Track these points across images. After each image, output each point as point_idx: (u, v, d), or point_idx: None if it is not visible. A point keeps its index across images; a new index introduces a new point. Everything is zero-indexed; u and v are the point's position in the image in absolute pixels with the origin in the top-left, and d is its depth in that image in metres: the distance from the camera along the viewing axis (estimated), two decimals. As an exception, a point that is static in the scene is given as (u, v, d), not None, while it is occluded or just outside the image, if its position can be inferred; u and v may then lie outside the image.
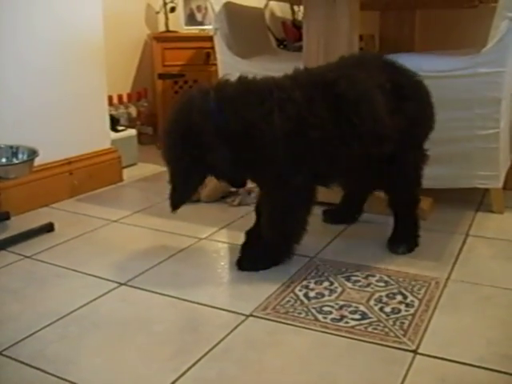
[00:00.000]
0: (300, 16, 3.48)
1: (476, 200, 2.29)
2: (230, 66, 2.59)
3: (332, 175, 1.76)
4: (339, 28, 2.16)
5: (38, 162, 2.11)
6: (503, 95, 2.10)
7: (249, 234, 1.83)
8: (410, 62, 2.21)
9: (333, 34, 2.17)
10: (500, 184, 2.16)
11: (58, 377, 1.22)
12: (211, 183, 2.36)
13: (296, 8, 3.55)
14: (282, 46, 3.30)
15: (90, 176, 2.54)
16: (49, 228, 2.06)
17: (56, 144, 2.42)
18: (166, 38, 3.47)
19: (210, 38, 2.82)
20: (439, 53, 2.33)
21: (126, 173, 2.77)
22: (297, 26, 3.42)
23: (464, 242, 1.90)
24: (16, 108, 2.27)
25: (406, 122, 1.72)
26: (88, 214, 2.27)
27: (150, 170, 2.90)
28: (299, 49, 2.75)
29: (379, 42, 3.17)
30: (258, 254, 1.74)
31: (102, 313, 1.50)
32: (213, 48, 2.80)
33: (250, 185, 2.39)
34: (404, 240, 1.84)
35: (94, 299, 1.56)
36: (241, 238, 1.92)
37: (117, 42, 3.33)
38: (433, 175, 2.19)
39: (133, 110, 3.43)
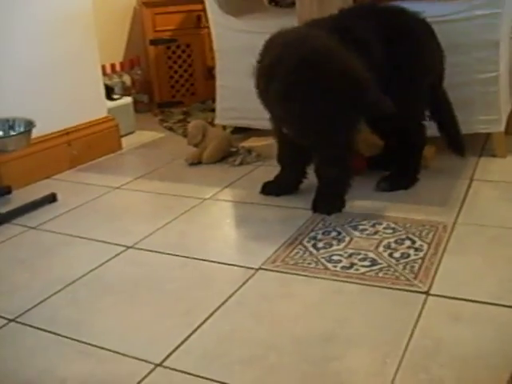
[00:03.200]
0: (290, -28, 3.41)
1: (478, 145, 2.28)
2: (221, 25, 2.55)
3: None
4: (332, -20, 2.11)
5: (35, 134, 2.09)
6: (501, 37, 2.07)
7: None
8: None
9: (325, -14, 2.13)
10: (502, 128, 2.14)
11: (71, 338, 1.23)
12: (211, 144, 2.34)
13: (286, -36, 3.47)
14: (273, 3, 3.23)
15: (88, 146, 2.52)
16: (51, 199, 2.05)
17: (52, 115, 2.39)
18: (155, 3, 3.40)
19: (200, 1, 2.76)
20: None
21: (124, 141, 2.74)
22: (287, -18, 3.36)
23: (469, 187, 1.89)
24: (9, 80, 2.24)
25: (398, 61, 1.80)
26: (90, 182, 2.25)
27: (148, 137, 2.87)
28: (291, 5, 2.70)
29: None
30: (329, 198, 1.80)
31: (111, 276, 1.50)
32: (203, 10, 2.75)
33: (252, 144, 2.39)
34: (389, 177, 1.94)
35: (102, 263, 1.56)
36: (244, 196, 1.92)
37: (106, 10, 3.27)
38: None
39: (127, 79, 3.38)
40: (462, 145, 2.01)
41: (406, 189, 1.91)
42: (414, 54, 1.84)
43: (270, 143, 2.32)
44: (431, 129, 2.14)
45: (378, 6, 1.94)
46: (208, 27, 2.69)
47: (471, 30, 2.07)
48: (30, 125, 2.05)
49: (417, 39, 1.87)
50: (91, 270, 1.53)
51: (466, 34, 2.08)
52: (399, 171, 1.96)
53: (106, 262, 1.57)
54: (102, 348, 1.19)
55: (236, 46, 2.51)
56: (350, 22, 1.81)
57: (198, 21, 3.41)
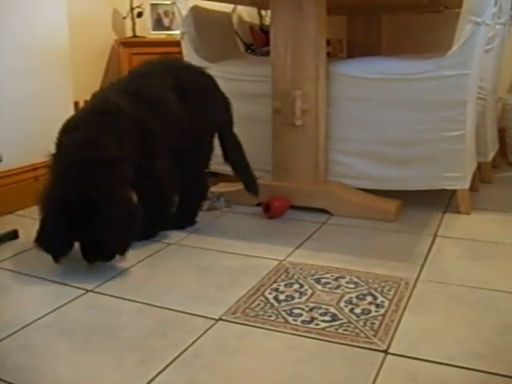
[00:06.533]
0: (268, 21, 3.48)
1: (444, 202, 2.32)
2: (197, 70, 2.57)
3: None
4: (306, 32, 2.17)
5: (2, 168, 2.06)
6: (468, 97, 2.13)
7: None
8: (376, 65, 2.25)
9: (300, 38, 2.18)
10: (467, 185, 2.19)
11: (21, 386, 1.19)
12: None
13: (264, 13, 3.55)
14: (249, 51, 3.28)
15: (56, 182, 2.49)
16: (13, 235, 2.02)
17: (21, 150, 2.37)
18: (133, 43, 3.44)
19: (178, 43, 2.80)
20: (405, 56, 2.35)
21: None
22: (264, 30, 3.42)
23: (432, 243, 1.91)
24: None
25: (193, 115, 1.99)
26: (54, 220, 2.22)
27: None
28: (267, 53, 2.75)
29: (347, 47, 3.20)
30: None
31: (67, 320, 1.46)
32: (180, 53, 2.78)
33: (221, 189, 2.39)
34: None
35: (60, 307, 1.53)
36: (210, 243, 1.92)
37: (83, 48, 3.29)
38: (401, 177, 2.22)
39: (100, 116, 3.37)
40: (255, 185, 2.16)
41: (182, 228, 2.07)
42: (201, 107, 2.02)
43: (239, 189, 2.33)
44: (395, 181, 2.19)
45: (167, 63, 2.09)
46: (184, 70, 2.71)
47: (439, 89, 2.13)
48: (-4, 159, 2.04)
49: (202, 92, 2.04)
50: (47, 314, 1.49)
51: (435, 92, 2.14)
52: (180, 213, 2.09)
53: (64, 305, 1.53)
54: (52, 398, 1.16)
55: (210, 91, 2.54)
56: (143, 83, 1.94)
57: (175, 63, 3.44)
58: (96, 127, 1.75)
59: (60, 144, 1.77)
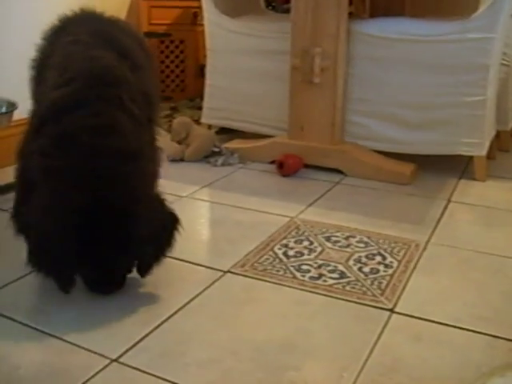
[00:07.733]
0: (290, -22, 3.41)
1: (459, 168, 2.29)
2: (215, 24, 2.54)
3: None
4: (328, -11, 2.12)
5: (17, 116, 2.05)
6: (492, 62, 2.08)
7: None
8: (398, 25, 2.20)
9: (322, -5, 2.13)
10: (484, 152, 2.15)
11: (28, 326, 1.21)
12: (195, 142, 2.33)
13: (286, -31, 3.48)
14: (270, 7, 3.23)
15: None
16: (27, 183, 2.02)
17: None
18: (152, -4, 3.39)
19: (198, -4, 2.75)
20: (429, 18, 2.30)
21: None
22: (286, -13, 3.36)
23: (446, 208, 1.90)
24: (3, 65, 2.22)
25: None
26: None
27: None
28: (287, 11, 2.70)
29: (370, 7, 3.13)
30: None
31: (78, 266, 1.47)
32: (200, 8, 2.73)
33: (236, 145, 2.38)
34: None
35: (71, 253, 1.54)
36: (222, 197, 1.91)
37: (101, 0, 3.24)
38: (417, 141, 2.19)
39: (117, 69, 3.36)
40: None
41: None
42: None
43: (253, 146, 2.32)
44: (411, 145, 2.17)
45: (115, 21, 1.68)
46: (203, 25, 2.68)
47: (462, 53, 2.08)
48: (12, 106, 2.03)
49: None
50: (58, 259, 1.50)
51: (457, 55, 2.09)
52: None
53: (75, 251, 1.55)
54: (59, 338, 1.17)
55: (228, 46, 2.51)
56: (124, 44, 1.45)
57: (195, 17, 3.40)
58: (112, 106, 1.25)
59: (58, 130, 1.22)
